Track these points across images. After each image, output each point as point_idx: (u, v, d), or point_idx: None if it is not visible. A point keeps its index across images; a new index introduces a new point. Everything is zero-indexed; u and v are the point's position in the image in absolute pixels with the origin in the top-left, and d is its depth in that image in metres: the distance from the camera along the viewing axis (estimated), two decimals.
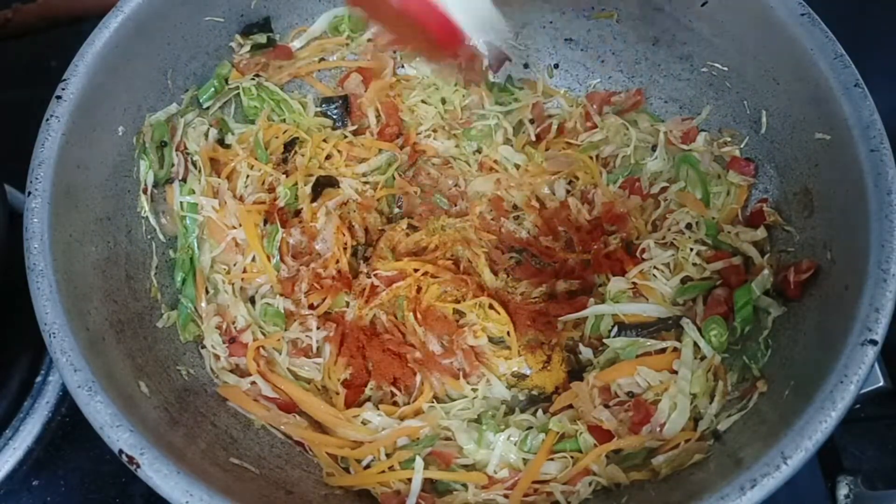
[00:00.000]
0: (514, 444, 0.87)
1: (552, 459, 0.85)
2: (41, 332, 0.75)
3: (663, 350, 0.90)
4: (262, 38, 1.10)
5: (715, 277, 0.94)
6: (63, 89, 0.86)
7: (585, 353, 0.95)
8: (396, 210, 1.11)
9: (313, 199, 1.04)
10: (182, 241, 1.00)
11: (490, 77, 1.21)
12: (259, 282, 1.00)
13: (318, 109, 1.14)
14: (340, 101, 1.14)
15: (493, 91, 1.19)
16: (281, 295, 0.99)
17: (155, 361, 0.88)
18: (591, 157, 1.10)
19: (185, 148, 1.03)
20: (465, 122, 1.16)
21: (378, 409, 0.92)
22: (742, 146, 1.00)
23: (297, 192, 1.05)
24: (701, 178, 1.02)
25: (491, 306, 0.96)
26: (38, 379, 1.05)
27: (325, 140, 1.10)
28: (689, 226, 0.99)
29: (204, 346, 0.95)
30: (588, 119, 1.13)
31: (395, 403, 0.94)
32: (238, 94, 1.10)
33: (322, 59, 1.16)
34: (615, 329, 0.93)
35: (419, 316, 0.96)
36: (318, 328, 0.96)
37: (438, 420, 0.89)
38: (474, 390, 0.92)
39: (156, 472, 0.69)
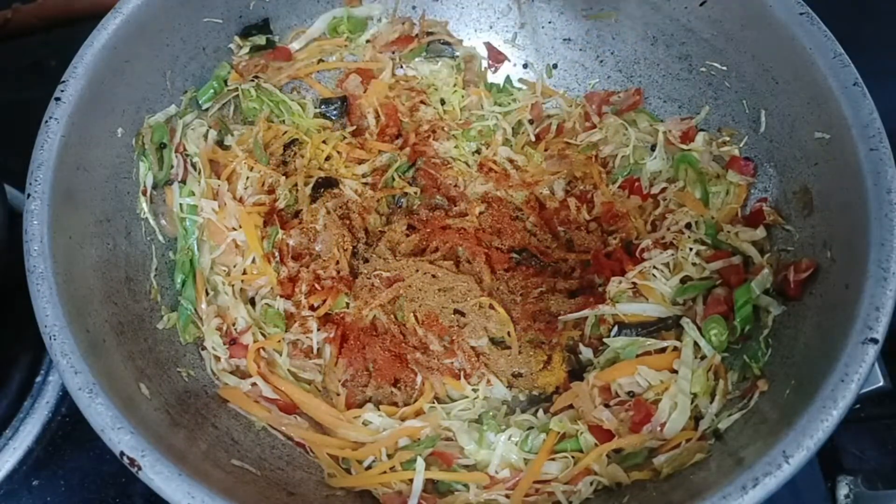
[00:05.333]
0: (515, 445, 0.87)
1: (553, 459, 0.85)
2: (41, 335, 0.75)
3: (663, 349, 0.90)
4: (261, 40, 1.10)
5: (714, 277, 0.94)
6: (62, 91, 0.86)
7: (586, 352, 0.95)
8: (396, 211, 1.11)
9: (313, 201, 1.04)
10: (182, 242, 1.00)
11: (489, 77, 1.21)
12: (259, 283, 1.00)
13: (318, 110, 1.14)
14: (339, 102, 1.14)
15: (492, 91, 1.19)
16: (281, 296, 0.99)
17: (155, 363, 0.87)
18: (590, 157, 1.10)
19: (185, 149, 1.03)
20: (464, 122, 1.16)
21: (379, 409, 0.92)
22: (741, 145, 1.00)
23: (296, 193, 1.05)
24: (700, 178, 1.02)
25: (491, 306, 0.96)
26: (38, 379, 1.05)
27: (324, 141, 1.10)
28: (688, 225, 0.99)
29: (204, 348, 0.95)
30: (587, 119, 1.13)
31: (395, 404, 0.94)
32: (237, 95, 1.10)
33: (321, 61, 1.16)
34: (615, 329, 0.93)
35: (419, 316, 0.96)
36: (318, 329, 0.96)
37: (439, 420, 0.89)
38: (475, 391, 0.92)
39: (157, 473, 0.69)
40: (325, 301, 0.98)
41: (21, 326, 0.91)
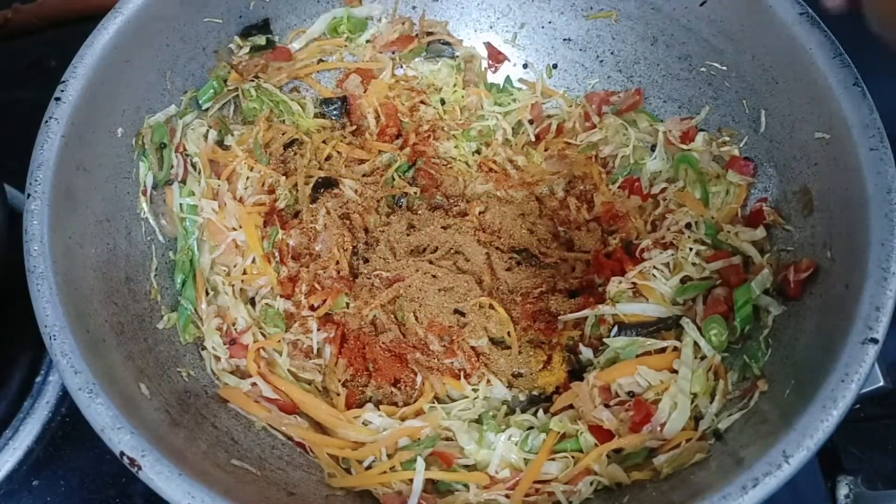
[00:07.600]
0: (515, 445, 0.87)
1: (553, 459, 0.85)
2: (41, 335, 0.75)
3: (663, 349, 0.90)
4: (261, 40, 1.10)
5: (714, 277, 0.94)
6: (62, 91, 0.86)
7: (586, 352, 0.95)
8: (396, 211, 1.10)
9: (313, 201, 1.04)
10: (182, 242, 1.00)
11: (489, 77, 1.21)
12: (259, 283, 1.00)
13: (318, 110, 1.14)
14: (339, 102, 1.14)
15: (492, 92, 1.19)
16: (281, 296, 0.99)
17: (155, 363, 0.87)
18: (590, 157, 1.10)
19: (185, 149, 1.03)
20: (464, 122, 1.16)
21: (379, 409, 0.92)
22: (741, 145, 1.00)
23: (296, 193, 1.05)
24: (700, 178, 1.02)
25: (491, 306, 0.96)
26: (38, 379, 1.05)
27: (324, 141, 1.10)
28: (688, 225, 0.99)
29: (204, 348, 0.95)
30: (587, 119, 1.13)
31: (395, 404, 0.94)
32: (237, 95, 1.10)
33: (321, 61, 1.16)
34: (615, 329, 0.93)
35: (419, 316, 0.96)
36: (318, 329, 0.96)
37: (439, 420, 0.89)
38: (475, 390, 0.92)
39: (157, 473, 0.69)
40: (325, 301, 0.98)
41: (21, 326, 0.91)
